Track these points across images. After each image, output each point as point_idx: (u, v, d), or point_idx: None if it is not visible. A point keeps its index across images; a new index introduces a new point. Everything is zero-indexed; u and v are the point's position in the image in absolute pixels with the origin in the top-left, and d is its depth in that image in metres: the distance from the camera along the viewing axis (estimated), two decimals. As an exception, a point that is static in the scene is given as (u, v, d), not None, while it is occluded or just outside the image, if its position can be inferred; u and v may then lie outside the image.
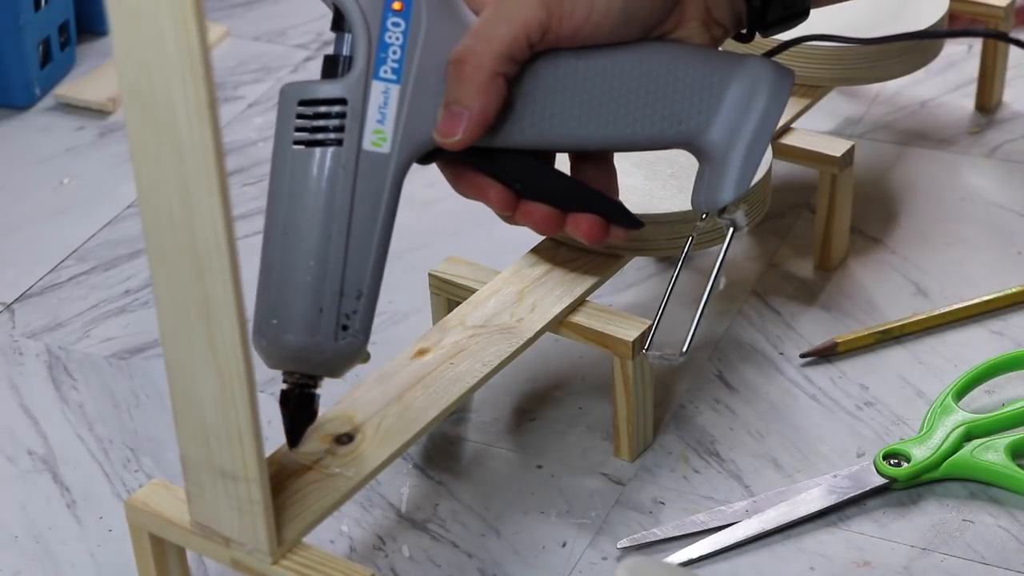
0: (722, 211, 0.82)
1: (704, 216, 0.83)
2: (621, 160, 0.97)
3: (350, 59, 0.77)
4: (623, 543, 0.87)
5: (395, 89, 0.77)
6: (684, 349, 0.84)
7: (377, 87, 0.76)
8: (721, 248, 0.84)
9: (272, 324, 0.77)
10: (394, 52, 0.76)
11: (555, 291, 0.92)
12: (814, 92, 1.10)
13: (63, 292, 1.10)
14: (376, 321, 1.05)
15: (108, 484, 0.93)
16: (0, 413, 0.99)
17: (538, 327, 0.90)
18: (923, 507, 0.90)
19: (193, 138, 0.63)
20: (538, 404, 0.98)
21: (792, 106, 1.08)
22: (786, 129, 1.07)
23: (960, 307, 1.04)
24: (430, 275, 0.95)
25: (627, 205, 0.93)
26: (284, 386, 0.79)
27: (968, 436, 0.92)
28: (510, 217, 0.81)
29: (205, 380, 0.70)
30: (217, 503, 0.75)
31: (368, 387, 0.85)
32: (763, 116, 0.79)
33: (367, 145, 0.77)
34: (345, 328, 0.77)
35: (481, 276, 0.94)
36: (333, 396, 0.97)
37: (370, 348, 1.03)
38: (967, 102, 1.27)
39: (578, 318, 0.91)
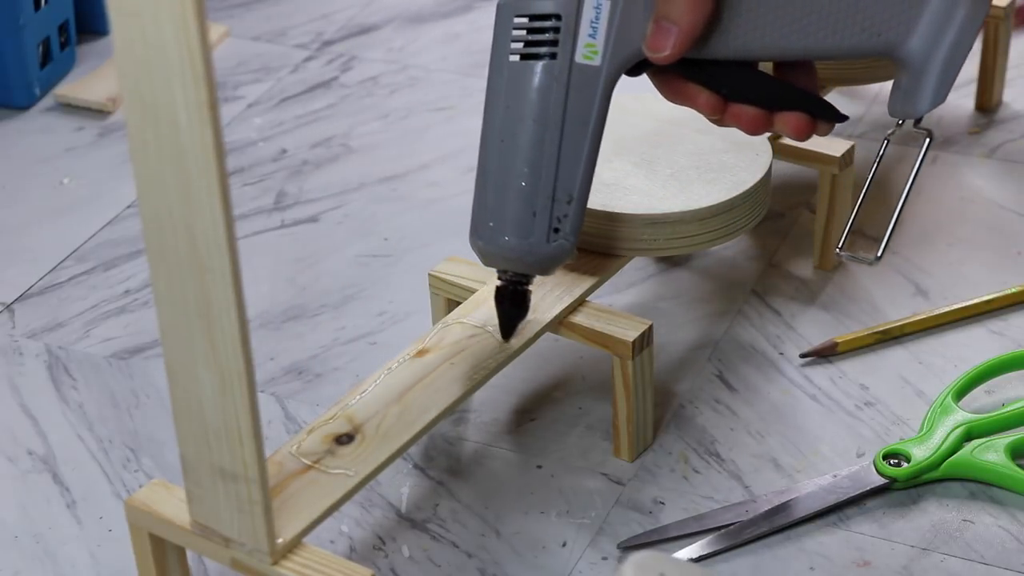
0: (917, 121, 0.83)
1: (900, 123, 0.84)
2: (622, 161, 0.98)
3: None
4: (623, 543, 0.87)
5: (606, 4, 0.80)
6: (879, 253, 0.86)
7: (590, 2, 0.80)
8: (917, 158, 0.86)
9: (489, 226, 0.82)
10: None
11: (555, 291, 0.92)
12: (814, 92, 1.10)
13: (63, 292, 1.10)
14: (376, 321, 1.06)
15: (108, 484, 0.93)
16: (0, 413, 0.99)
17: (538, 327, 0.90)
18: (923, 507, 0.90)
19: (193, 138, 0.63)
20: (538, 404, 0.98)
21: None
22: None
23: (960, 307, 1.04)
24: (430, 275, 0.95)
25: (627, 205, 0.94)
26: (498, 283, 0.85)
27: (968, 436, 0.92)
28: (719, 120, 0.83)
29: (205, 380, 0.70)
30: (217, 503, 0.75)
31: (368, 387, 0.85)
32: (962, 28, 0.80)
33: (579, 58, 0.81)
34: (557, 231, 0.83)
35: (481, 276, 0.94)
36: (333, 396, 0.97)
37: (370, 347, 1.03)
38: (967, 102, 1.27)
39: (578, 318, 0.91)
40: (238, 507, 0.74)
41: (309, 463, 0.80)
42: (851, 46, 0.81)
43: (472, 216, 0.84)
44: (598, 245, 0.94)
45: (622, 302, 1.06)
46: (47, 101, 1.32)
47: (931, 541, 0.87)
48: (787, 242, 1.12)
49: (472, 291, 0.93)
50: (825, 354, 1.01)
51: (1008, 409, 0.93)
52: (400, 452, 0.82)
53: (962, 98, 1.28)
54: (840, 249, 0.89)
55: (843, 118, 0.84)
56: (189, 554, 0.82)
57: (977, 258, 1.10)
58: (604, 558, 0.87)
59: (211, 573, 0.87)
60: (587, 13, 0.80)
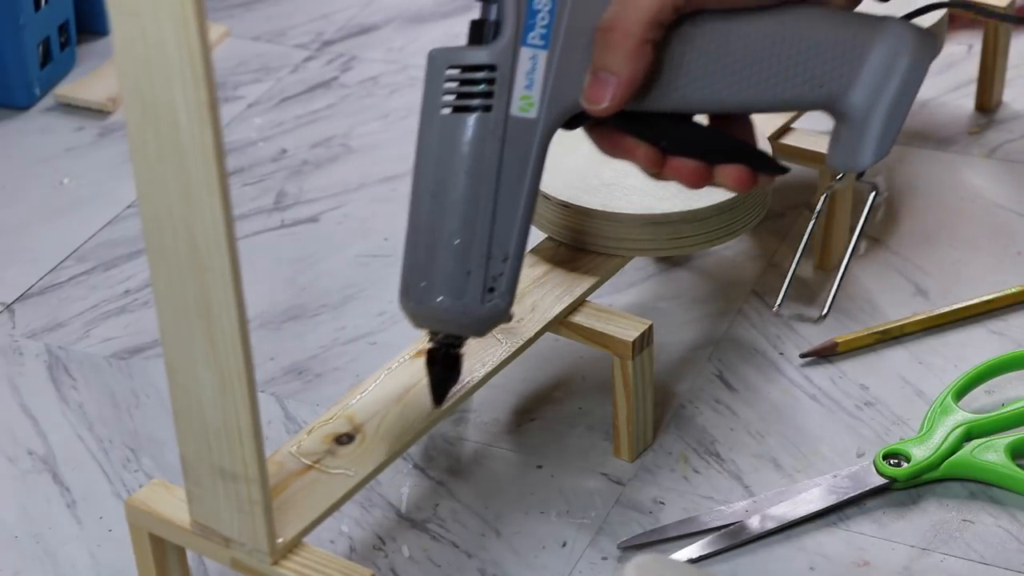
0: (860, 174, 0.83)
1: (841, 177, 0.84)
2: (622, 161, 0.97)
3: (497, 24, 0.77)
4: (623, 543, 0.87)
5: (543, 55, 0.77)
6: (824, 312, 0.86)
7: (525, 53, 0.77)
8: (863, 213, 0.85)
9: (420, 286, 0.79)
10: (542, 18, 0.77)
11: (555, 291, 0.92)
12: (814, 92, 1.10)
13: (63, 292, 1.10)
14: (376, 321, 1.05)
15: (108, 484, 0.93)
16: (0, 413, 0.99)
17: (538, 327, 0.90)
18: (923, 507, 0.90)
19: (193, 138, 0.63)
20: (538, 404, 0.98)
21: (792, 106, 1.08)
22: (786, 129, 1.07)
23: (960, 307, 1.04)
24: (430, 275, 0.95)
25: (627, 205, 0.94)
26: (430, 345, 0.82)
27: (968, 436, 0.92)
28: (658, 174, 0.82)
29: (205, 380, 0.70)
30: (217, 503, 0.75)
31: (368, 387, 0.85)
32: (905, 79, 0.78)
33: (515, 111, 0.78)
34: (492, 290, 0.79)
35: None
36: (333, 396, 0.97)
37: (370, 347, 1.03)
38: (967, 102, 1.27)
39: (578, 318, 0.91)
40: (238, 507, 0.74)
41: (309, 463, 0.80)
42: (792, 97, 0.79)
43: (402, 276, 0.80)
44: (598, 245, 0.94)
45: (622, 302, 1.06)
46: (47, 101, 1.32)
47: (931, 541, 0.87)
48: (787, 242, 1.12)
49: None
50: (825, 354, 1.01)
51: (1008, 409, 0.93)
52: (400, 452, 0.82)
53: (962, 98, 1.28)
54: (779, 307, 0.89)
55: (784, 170, 0.82)
56: (189, 554, 0.82)
57: (977, 258, 1.10)
58: (604, 558, 0.87)
59: (211, 573, 0.87)
60: (523, 64, 0.77)
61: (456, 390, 0.84)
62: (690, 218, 0.93)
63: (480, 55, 0.77)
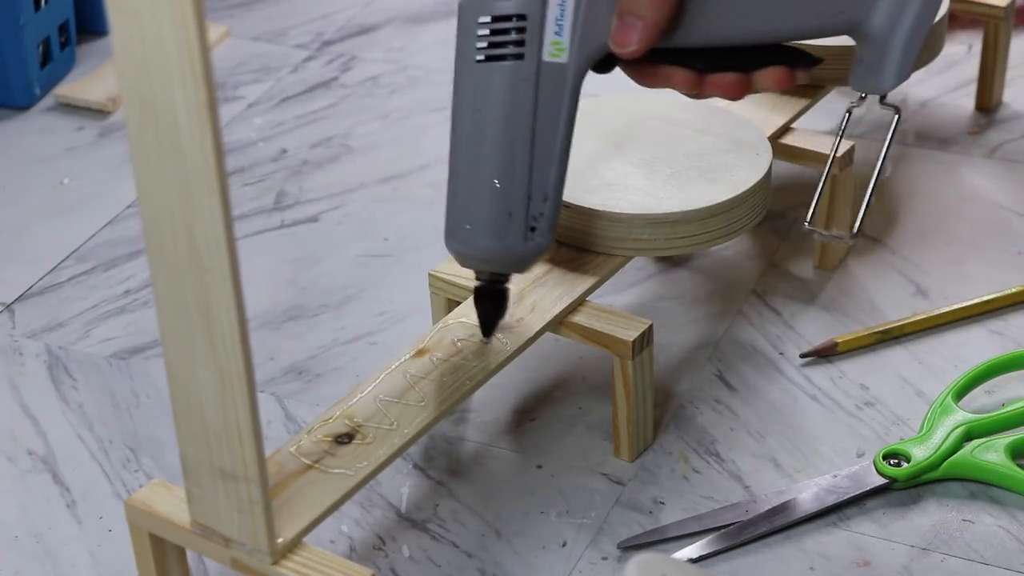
0: (883, 98, 0.84)
1: (863, 97, 0.85)
2: (622, 161, 0.98)
3: None
4: (623, 543, 0.87)
5: (570, 1, 0.79)
6: (854, 230, 0.88)
7: (553, 0, 0.79)
8: (887, 135, 0.86)
9: (465, 228, 0.82)
10: None
11: (555, 291, 0.92)
12: (814, 92, 1.10)
13: (63, 292, 1.10)
14: (376, 321, 1.06)
15: (108, 484, 0.93)
16: (0, 413, 0.99)
17: (538, 327, 0.90)
18: (923, 507, 0.90)
19: (193, 138, 0.63)
20: (538, 404, 0.98)
21: (792, 106, 1.08)
22: (786, 129, 1.07)
23: (960, 307, 1.04)
24: (430, 275, 0.95)
25: (627, 205, 0.94)
26: (477, 283, 0.85)
27: (968, 436, 0.92)
28: (698, 93, 0.83)
29: (205, 380, 0.70)
30: (217, 503, 0.75)
31: (368, 387, 0.85)
32: (924, 3, 0.79)
33: (546, 56, 0.80)
34: (533, 229, 0.82)
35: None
36: (333, 396, 0.97)
37: (370, 347, 1.03)
38: (967, 102, 1.27)
39: (578, 318, 0.91)
40: (238, 507, 0.74)
41: (309, 463, 0.80)
42: (814, 26, 0.81)
43: (446, 220, 0.83)
44: (598, 245, 0.94)
45: (622, 302, 1.06)
46: (47, 101, 1.32)
47: (931, 541, 0.87)
48: (787, 242, 1.12)
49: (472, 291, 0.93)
50: (825, 354, 1.01)
51: (1008, 409, 0.93)
52: (400, 452, 0.82)
53: (962, 98, 1.28)
54: (808, 224, 0.90)
55: (818, 60, 0.83)
56: (189, 554, 0.82)
57: (977, 258, 1.10)
58: (604, 558, 0.87)
59: (211, 573, 0.87)
60: (552, 11, 0.79)
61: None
62: (690, 218, 0.93)
63: (510, 5, 0.79)
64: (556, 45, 0.80)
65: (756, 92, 0.83)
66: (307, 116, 1.29)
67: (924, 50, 1.12)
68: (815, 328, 1.03)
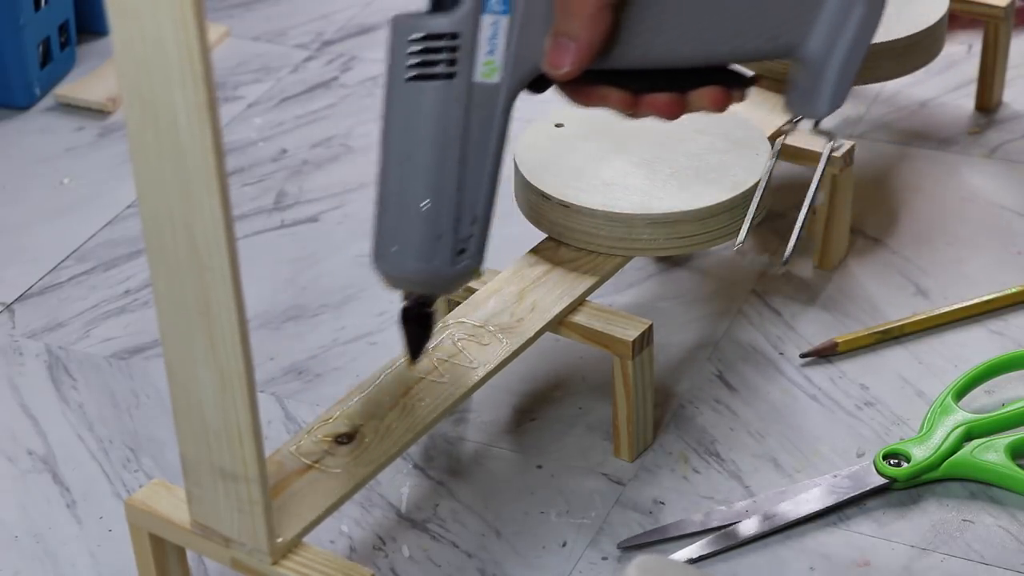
0: (816, 123, 0.83)
1: (796, 120, 0.84)
2: (622, 161, 0.98)
3: None
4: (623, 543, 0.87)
5: (504, 20, 0.78)
6: (785, 259, 0.87)
7: (487, 19, 0.77)
8: (820, 161, 0.86)
9: (392, 251, 0.79)
10: None
11: (555, 291, 0.92)
12: (814, 92, 1.10)
13: (63, 292, 1.10)
14: (376, 321, 1.05)
15: (108, 484, 0.93)
16: (0, 413, 0.99)
17: (538, 327, 0.90)
18: (923, 507, 0.90)
19: (193, 138, 0.63)
20: (538, 404, 0.98)
21: (792, 106, 1.08)
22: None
23: (960, 307, 1.04)
24: (430, 275, 0.95)
25: (627, 205, 0.94)
26: (404, 304, 0.83)
27: (968, 436, 0.92)
28: (634, 114, 0.82)
29: (205, 380, 0.70)
30: (217, 503, 0.75)
31: (368, 387, 0.85)
32: (859, 28, 0.79)
33: (478, 77, 0.78)
34: (462, 252, 0.80)
35: (481, 276, 0.94)
36: (333, 396, 0.97)
37: (370, 347, 1.03)
38: (967, 102, 1.27)
39: (578, 318, 0.91)
40: (238, 507, 0.74)
41: (309, 463, 0.80)
42: (751, 50, 0.80)
43: (374, 240, 0.80)
44: (598, 245, 0.94)
45: (622, 302, 1.06)
46: (47, 101, 1.32)
47: (931, 541, 0.87)
48: (787, 242, 1.11)
49: (472, 291, 0.93)
50: (825, 354, 1.01)
51: (1008, 409, 0.93)
52: (400, 452, 0.82)
53: (962, 98, 1.28)
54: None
55: (753, 80, 0.82)
56: (189, 554, 0.82)
57: (977, 258, 1.10)
58: (604, 558, 0.87)
59: (211, 573, 0.87)
60: (484, 31, 0.77)
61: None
62: (690, 218, 0.93)
63: (442, 23, 0.77)
64: (488, 65, 0.78)
65: (692, 112, 0.82)
66: (307, 116, 1.29)
67: (924, 51, 1.12)
68: (815, 328, 1.03)
